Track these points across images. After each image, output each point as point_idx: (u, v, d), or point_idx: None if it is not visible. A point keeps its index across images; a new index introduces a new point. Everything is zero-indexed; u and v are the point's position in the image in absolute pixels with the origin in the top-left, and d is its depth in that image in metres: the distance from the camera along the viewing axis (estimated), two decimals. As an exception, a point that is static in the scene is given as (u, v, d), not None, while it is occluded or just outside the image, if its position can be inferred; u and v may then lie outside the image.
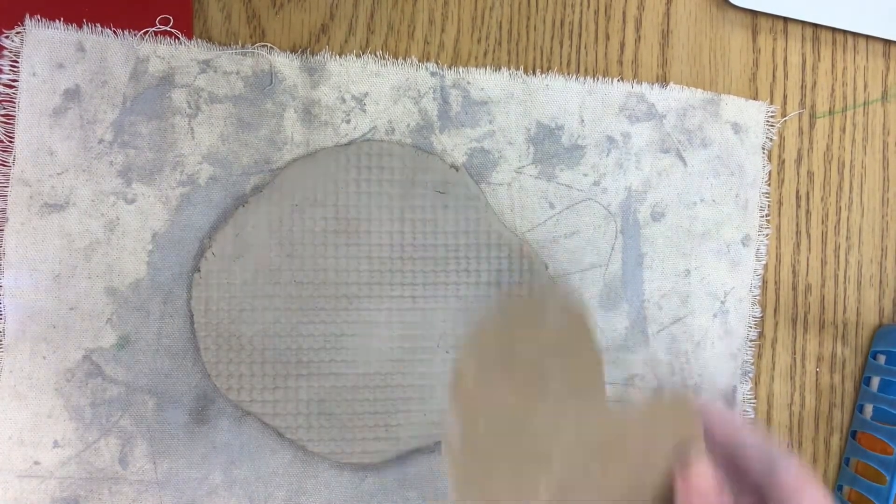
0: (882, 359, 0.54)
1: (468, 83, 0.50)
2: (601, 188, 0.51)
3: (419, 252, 0.49)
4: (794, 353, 0.55)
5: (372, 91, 0.50)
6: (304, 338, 0.48)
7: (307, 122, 0.49)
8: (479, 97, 0.50)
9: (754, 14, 0.54)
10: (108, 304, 0.47)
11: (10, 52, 0.47)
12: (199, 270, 0.48)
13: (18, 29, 0.47)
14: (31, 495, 0.47)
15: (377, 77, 0.50)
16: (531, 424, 0.38)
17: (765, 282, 0.54)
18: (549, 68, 0.52)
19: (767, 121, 0.53)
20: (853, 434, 0.55)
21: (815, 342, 0.55)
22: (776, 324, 0.55)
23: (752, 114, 0.53)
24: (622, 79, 0.52)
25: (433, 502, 0.50)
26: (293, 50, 0.50)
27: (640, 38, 0.53)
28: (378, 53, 0.50)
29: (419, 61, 0.50)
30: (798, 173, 0.55)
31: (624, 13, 0.53)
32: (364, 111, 0.49)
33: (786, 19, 0.54)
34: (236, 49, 0.48)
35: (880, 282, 0.56)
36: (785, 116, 0.54)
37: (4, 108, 0.47)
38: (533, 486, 0.37)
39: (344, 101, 0.49)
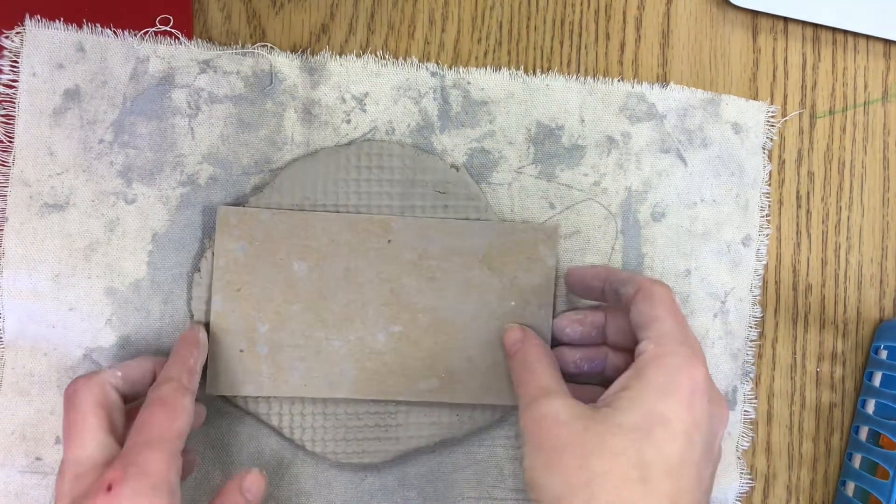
0: (884, 354, 0.54)
1: (468, 83, 0.50)
2: (601, 188, 0.51)
3: (419, 252, 0.49)
4: (795, 353, 0.55)
5: (372, 91, 0.50)
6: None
7: (307, 122, 0.49)
8: (480, 97, 0.50)
9: (754, 14, 0.54)
10: (108, 305, 0.47)
11: (10, 52, 0.47)
12: (199, 270, 0.48)
13: (18, 29, 0.47)
14: (32, 491, 0.47)
15: (377, 77, 0.50)
16: None
17: (765, 282, 0.54)
18: (549, 68, 0.52)
19: (768, 121, 0.53)
20: (855, 430, 0.55)
21: (815, 342, 0.55)
22: (777, 324, 0.55)
23: (753, 114, 0.53)
24: (622, 79, 0.52)
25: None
26: (293, 50, 0.50)
27: (640, 38, 0.53)
28: (378, 53, 0.50)
29: (419, 61, 0.50)
30: (798, 173, 0.55)
31: (624, 13, 0.53)
32: (364, 111, 0.49)
33: (786, 19, 0.54)
34: (236, 49, 0.48)
35: (881, 282, 0.56)
36: (785, 116, 0.54)
37: (4, 109, 0.47)
38: None
39: (344, 101, 0.49)
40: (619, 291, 0.44)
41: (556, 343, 0.49)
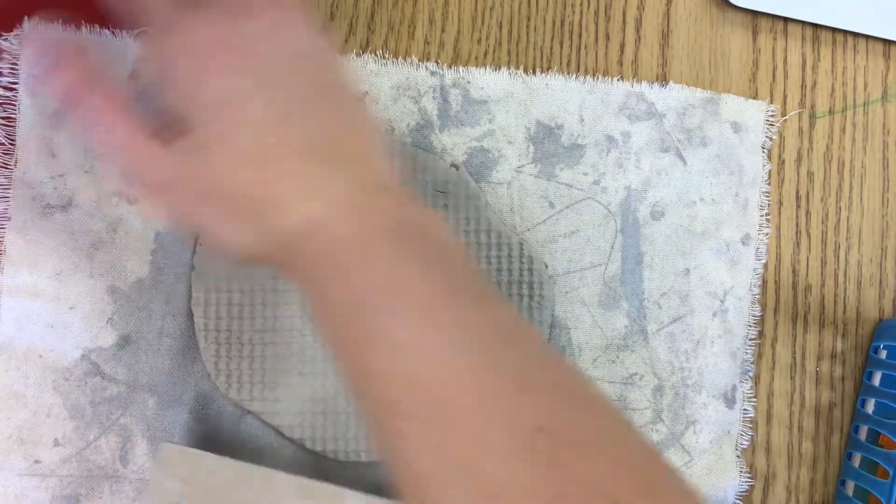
0: (884, 353, 0.54)
1: (468, 82, 0.50)
2: (601, 187, 0.51)
3: (419, 252, 0.49)
4: (795, 352, 0.55)
5: (372, 90, 0.50)
6: (304, 337, 0.48)
7: (307, 121, 0.49)
8: (479, 96, 0.50)
9: (754, 14, 0.54)
10: (110, 304, 0.48)
11: (10, 54, 0.47)
12: (195, 268, 0.48)
13: (17, 31, 0.47)
14: (31, 493, 0.47)
15: (377, 76, 0.50)
16: None
17: (765, 281, 0.54)
18: (549, 68, 0.52)
19: (767, 120, 0.53)
20: (855, 429, 0.55)
21: (815, 341, 0.55)
22: (776, 323, 0.55)
23: (752, 113, 0.53)
24: (622, 78, 0.52)
25: None
26: (293, 50, 0.50)
27: (640, 38, 0.53)
28: (378, 53, 0.50)
29: (419, 61, 0.50)
30: (798, 173, 0.55)
31: (624, 13, 0.53)
32: (364, 111, 0.49)
33: (786, 19, 0.54)
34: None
35: (880, 281, 0.56)
36: (785, 116, 0.54)
37: (5, 111, 0.47)
38: None
39: (344, 100, 0.49)
40: None
41: None
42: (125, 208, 0.48)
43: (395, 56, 0.51)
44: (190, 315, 0.48)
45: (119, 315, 0.48)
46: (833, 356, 0.55)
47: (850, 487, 0.54)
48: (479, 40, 0.52)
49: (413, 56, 0.51)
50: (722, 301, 0.53)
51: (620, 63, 0.53)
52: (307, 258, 0.33)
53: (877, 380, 0.54)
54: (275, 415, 0.48)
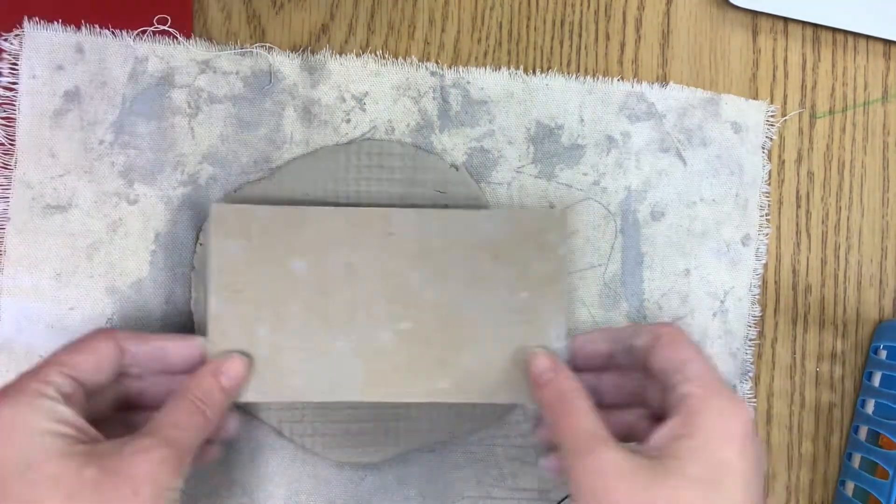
0: (884, 353, 0.54)
1: (468, 83, 0.50)
2: (601, 187, 0.51)
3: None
4: (795, 353, 0.55)
5: (372, 90, 0.50)
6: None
7: (307, 120, 0.49)
8: (479, 97, 0.50)
9: (754, 14, 0.54)
10: (109, 304, 0.48)
11: (10, 54, 0.47)
12: (194, 268, 0.48)
13: (17, 31, 0.47)
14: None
15: (377, 76, 0.50)
16: None
17: (765, 281, 0.54)
18: (549, 68, 0.52)
19: (767, 120, 0.53)
20: (855, 430, 0.55)
21: (815, 341, 0.55)
22: (776, 323, 0.55)
23: (752, 113, 0.53)
24: (622, 78, 0.52)
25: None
26: (293, 50, 0.50)
27: (640, 38, 0.53)
28: (378, 53, 0.50)
29: (419, 61, 0.50)
30: (798, 173, 0.55)
31: (624, 13, 0.53)
32: (364, 110, 0.49)
33: (786, 19, 0.54)
34: (235, 49, 0.49)
35: (880, 282, 0.56)
36: (785, 116, 0.54)
37: (5, 111, 0.47)
38: None
39: (344, 100, 0.49)
40: (632, 346, 0.42)
41: None
42: (125, 208, 0.48)
43: (395, 56, 0.51)
44: (190, 315, 0.48)
45: (119, 315, 0.48)
46: (833, 356, 0.55)
47: (849, 488, 0.54)
48: (479, 40, 0.52)
49: (413, 56, 0.51)
50: (722, 301, 0.53)
51: (620, 63, 0.53)
52: None
53: (877, 380, 0.54)
54: (274, 414, 0.48)
